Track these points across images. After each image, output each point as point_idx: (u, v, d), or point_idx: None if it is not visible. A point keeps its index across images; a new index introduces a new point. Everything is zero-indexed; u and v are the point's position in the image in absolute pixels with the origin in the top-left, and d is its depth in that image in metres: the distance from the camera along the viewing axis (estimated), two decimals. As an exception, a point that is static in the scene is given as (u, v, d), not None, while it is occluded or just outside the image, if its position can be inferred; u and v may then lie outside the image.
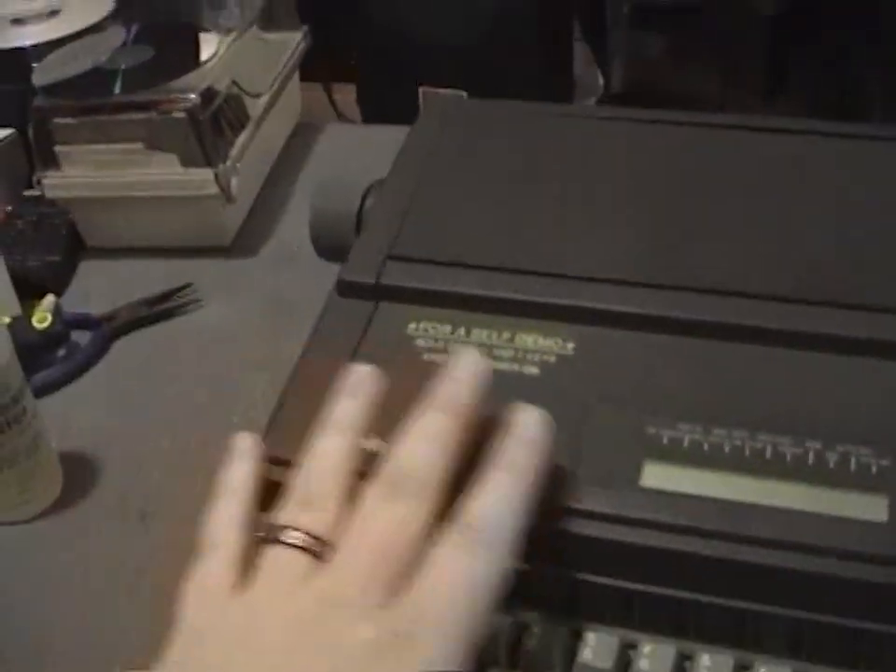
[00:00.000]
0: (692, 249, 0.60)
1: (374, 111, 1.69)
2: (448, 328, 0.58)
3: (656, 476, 0.51)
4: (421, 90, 1.30)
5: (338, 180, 0.70)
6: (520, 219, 0.63)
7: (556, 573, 0.51)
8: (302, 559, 0.45)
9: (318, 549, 0.45)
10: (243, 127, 0.94)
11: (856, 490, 0.50)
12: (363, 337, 0.59)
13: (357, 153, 0.89)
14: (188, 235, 0.93)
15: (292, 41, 1.07)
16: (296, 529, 0.46)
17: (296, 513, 0.47)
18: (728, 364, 0.55)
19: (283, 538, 0.45)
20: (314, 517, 0.46)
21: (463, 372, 0.50)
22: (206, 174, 0.89)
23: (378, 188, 0.67)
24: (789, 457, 0.51)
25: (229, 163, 0.90)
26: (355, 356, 0.58)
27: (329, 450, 0.49)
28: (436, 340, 0.58)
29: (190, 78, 0.90)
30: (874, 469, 0.50)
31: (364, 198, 0.67)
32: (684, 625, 0.51)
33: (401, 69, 1.48)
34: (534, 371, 0.56)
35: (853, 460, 0.51)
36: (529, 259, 0.60)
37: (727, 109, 1.59)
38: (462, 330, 0.58)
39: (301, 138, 1.08)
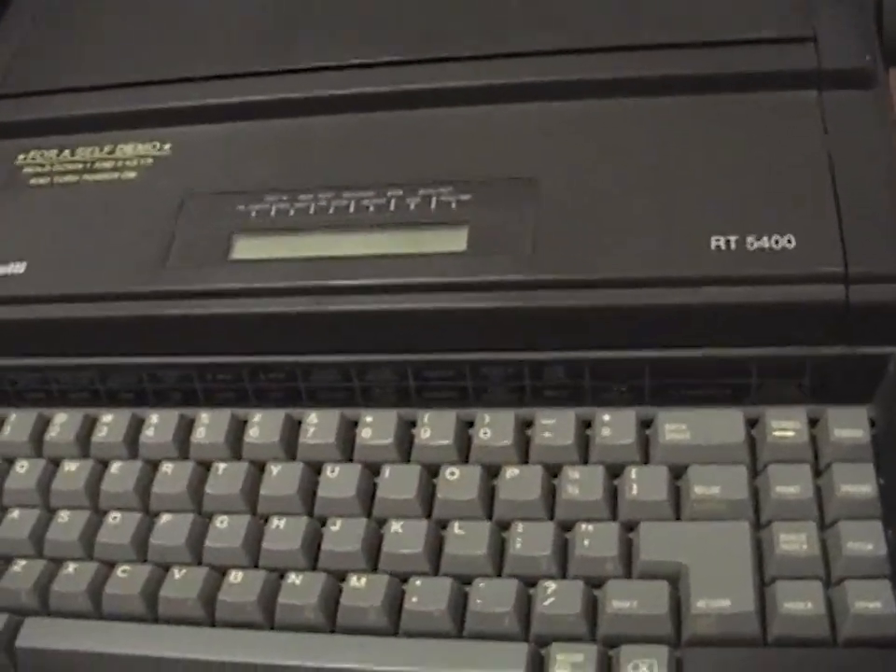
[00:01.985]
0: (289, 35, 0.59)
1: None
2: (55, 152, 0.58)
3: (246, 248, 0.51)
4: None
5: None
6: (121, 37, 0.62)
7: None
8: None
9: None
10: None
11: (438, 227, 0.50)
12: (-24, 177, 0.58)
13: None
14: None
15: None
16: None
17: None
18: (313, 136, 0.55)
19: None
20: None
21: None
22: None
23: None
24: (372, 208, 0.51)
25: None
26: (-33, 196, 0.57)
27: None
28: (42, 166, 0.57)
29: None
30: (454, 206, 0.51)
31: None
32: (297, 390, 0.51)
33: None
34: (132, 175, 0.55)
35: (434, 200, 0.51)
36: (124, 72, 0.59)
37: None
38: (67, 152, 0.58)
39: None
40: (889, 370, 0.47)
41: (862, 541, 0.44)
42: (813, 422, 0.47)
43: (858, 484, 0.45)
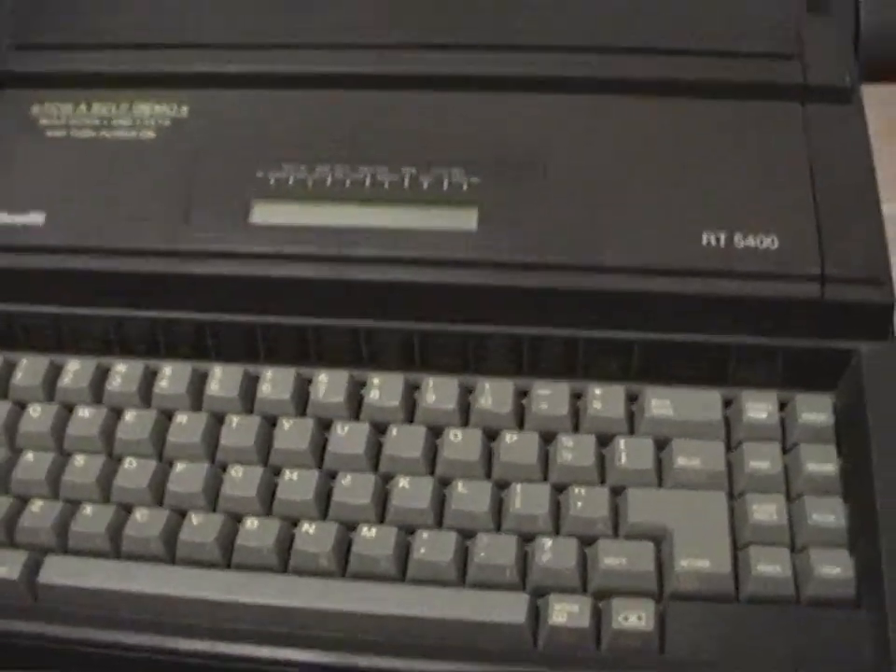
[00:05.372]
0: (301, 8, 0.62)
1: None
2: (70, 106, 0.60)
3: (264, 213, 0.54)
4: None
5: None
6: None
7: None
8: None
9: None
10: None
11: (449, 205, 0.54)
12: (-12, 125, 0.59)
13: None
14: None
15: None
16: None
17: None
18: (331, 110, 0.58)
19: None
20: None
21: None
22: None
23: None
24: (386, 184, 0.55)
25: None
26: (-21, 142, 0.58)
27: None
28: (58, 118, 0.59)
29: None
30: (465, 187, 0.54)
31: None
32: (307, 351, 0.54)
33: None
34: (150, 134, 0.58)
35: (446, 180, 0.54)
36: (146, 33, 0.61)
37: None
38: (83, 106, 0.59)
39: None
40: (852, 362, 0.51)
41: (825, 514, 0.49)
42: (783, 405, 0.52)
43: (821, 463, 0.50)
